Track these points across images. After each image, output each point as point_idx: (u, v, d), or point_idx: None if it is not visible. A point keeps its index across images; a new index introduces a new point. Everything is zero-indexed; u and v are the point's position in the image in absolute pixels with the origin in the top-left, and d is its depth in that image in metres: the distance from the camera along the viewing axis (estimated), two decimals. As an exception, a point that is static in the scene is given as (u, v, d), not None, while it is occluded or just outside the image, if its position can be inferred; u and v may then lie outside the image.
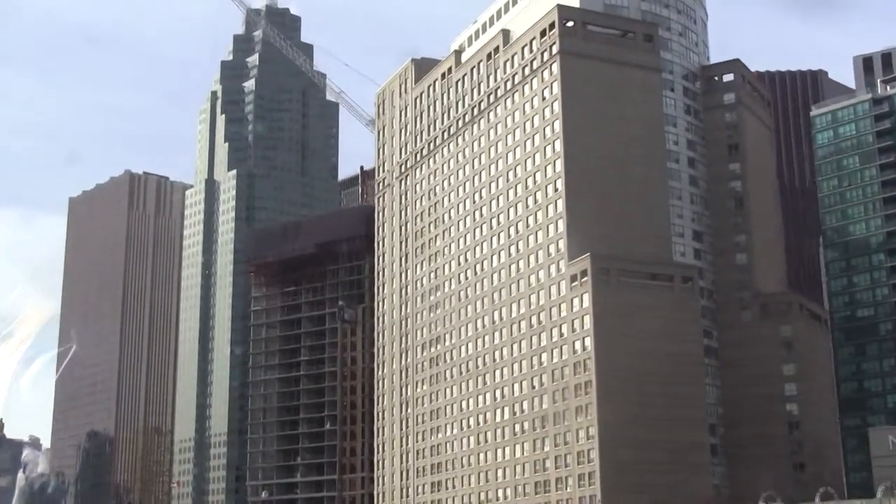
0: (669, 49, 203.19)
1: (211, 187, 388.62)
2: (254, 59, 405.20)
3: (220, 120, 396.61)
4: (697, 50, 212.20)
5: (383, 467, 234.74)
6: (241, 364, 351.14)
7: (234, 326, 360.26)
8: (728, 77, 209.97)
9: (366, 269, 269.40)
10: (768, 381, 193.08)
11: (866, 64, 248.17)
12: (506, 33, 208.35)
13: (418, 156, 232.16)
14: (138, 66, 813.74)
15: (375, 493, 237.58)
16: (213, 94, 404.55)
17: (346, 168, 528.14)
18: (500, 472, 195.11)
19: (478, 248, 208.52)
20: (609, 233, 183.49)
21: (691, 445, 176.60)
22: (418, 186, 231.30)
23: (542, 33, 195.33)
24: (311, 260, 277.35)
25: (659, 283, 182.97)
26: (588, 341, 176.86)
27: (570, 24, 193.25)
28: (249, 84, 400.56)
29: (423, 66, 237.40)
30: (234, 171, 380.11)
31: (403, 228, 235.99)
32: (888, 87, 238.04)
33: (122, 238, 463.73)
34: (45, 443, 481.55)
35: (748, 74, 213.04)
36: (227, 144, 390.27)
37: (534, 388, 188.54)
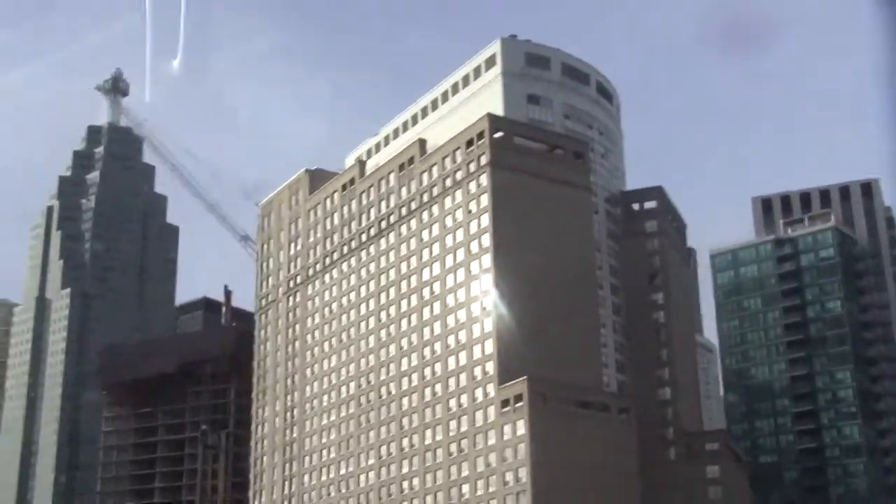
0: (594, 171, 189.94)
1: (42, 305, 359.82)
2: (94, 177, 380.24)
3: (56, 236, 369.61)
4: (618, 174, 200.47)
5: None
6: (64, 493, 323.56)
7: (59, 453, 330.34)
8: (649, 204, 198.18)
9: (231, 393, 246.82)
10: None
11: (765, 206, 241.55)
12: (422, 142, 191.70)
13: (311, 270, 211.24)
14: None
15: None
16: (49, 209, 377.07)
17: (188, 291, 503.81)
18: None
19: (383, 370, 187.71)
20: (540, 357, 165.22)
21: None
22: (310, 303, 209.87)
23: (469, 143, 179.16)
24: (171, 380, 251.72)
25: (595, 412, 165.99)
26: (522, 472, 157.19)
27: (500, 134, 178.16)
28: (88, 202, 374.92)
29: (317, 178, 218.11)
30: (69, 290, 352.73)
31: (290, 347, 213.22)
32: (790, 230, 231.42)
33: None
34: None
35: (668, 203, 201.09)
36: (61, 262, 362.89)
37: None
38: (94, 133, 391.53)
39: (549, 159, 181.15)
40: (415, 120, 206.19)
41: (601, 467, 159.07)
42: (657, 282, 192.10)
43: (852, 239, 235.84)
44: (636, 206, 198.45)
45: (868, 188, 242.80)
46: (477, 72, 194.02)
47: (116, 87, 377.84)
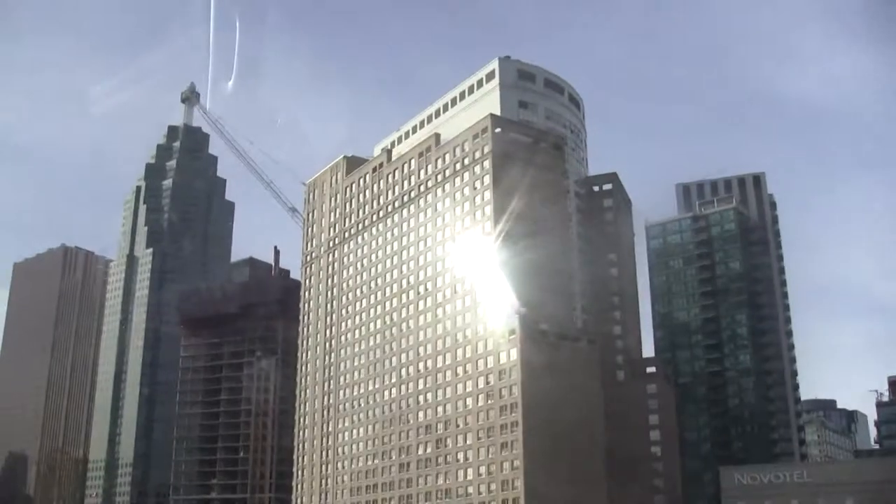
0: (567, 160, 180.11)
1: (131, 261, 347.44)
2: (172, 164, 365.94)
3: (142, 209, 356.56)
4: (583, 163, 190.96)
5: (301, 489, 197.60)
6: (147, 401, 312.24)
7: (143, 372, 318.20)
8: (606, 186, 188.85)
9: (279, 329, 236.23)
10: (638, 427, 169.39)
11: (685, 190, 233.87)
12: (437, 136, 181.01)
13: (347, 233, 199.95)
14: (70, 167, 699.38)
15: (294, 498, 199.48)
16: (138, 188, 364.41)
17: (239, 252, 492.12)
18: (422, 498, 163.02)
19: (403, 310, 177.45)
20: (527, 299, 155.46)
21: (591, 475, 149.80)
22: (346, 259, 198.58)
23: (475, 136, 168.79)
24: (234, 318, 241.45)
25: (570, 342, 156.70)
26: (515, 389, 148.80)
27: (499, 130, 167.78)
28: (167, 183, 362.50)
29: (353, 163, 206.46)
30: (151, 250, 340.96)
31: (329, 293, 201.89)
32: (703, 209, 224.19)
33: (55, 297, 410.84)
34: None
35: (621, 186, 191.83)
36: (146, 228, 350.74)
37: (458, 426, 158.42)
38: (172, 131, 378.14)
39: (534, 150, 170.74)
40: (430, 119, 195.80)
41: (574, 384, 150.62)
42: (611, 245, 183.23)
43: (747, 216, 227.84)
44: (596, 188, 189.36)
45: (758, 179, 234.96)
46: (480, 83, 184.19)
47: (191, 96, 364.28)
